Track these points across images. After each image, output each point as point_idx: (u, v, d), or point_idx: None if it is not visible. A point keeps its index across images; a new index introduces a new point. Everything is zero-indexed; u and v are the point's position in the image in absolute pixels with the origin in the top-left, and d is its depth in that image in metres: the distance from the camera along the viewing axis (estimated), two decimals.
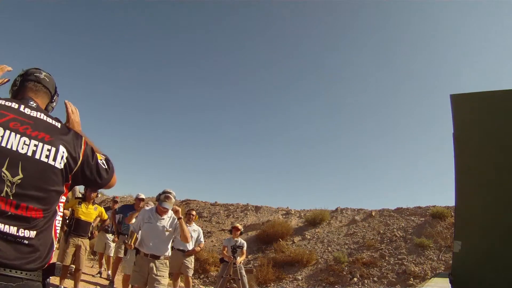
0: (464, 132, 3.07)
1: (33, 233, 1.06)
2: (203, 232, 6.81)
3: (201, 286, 8.43)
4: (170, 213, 3.87)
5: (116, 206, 7.31)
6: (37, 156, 1.09)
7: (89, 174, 1.26)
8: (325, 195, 24.80)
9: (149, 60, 37.16)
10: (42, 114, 1.22)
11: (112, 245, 6.75)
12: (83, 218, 5.09)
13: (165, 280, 3.69)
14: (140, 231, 3.78)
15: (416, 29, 35.44)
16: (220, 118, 36.36)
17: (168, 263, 3.79)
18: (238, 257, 5.51)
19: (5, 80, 1.40)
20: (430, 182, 26.22)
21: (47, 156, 1.12)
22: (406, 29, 35.80)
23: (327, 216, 11.21)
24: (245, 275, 5.76)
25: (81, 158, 1.22)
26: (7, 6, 26.06)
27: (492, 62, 36.56)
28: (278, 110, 36.55)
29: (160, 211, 3.80)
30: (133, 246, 3.74)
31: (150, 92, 37.54)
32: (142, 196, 6.05)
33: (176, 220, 3.86)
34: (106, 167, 1.34)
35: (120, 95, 35.13)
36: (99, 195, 15.80)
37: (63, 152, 1.16)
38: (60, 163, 1.15)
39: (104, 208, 7.21)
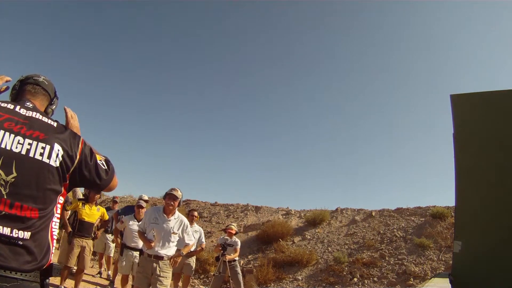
0: (464, 132, 3.07)
1: (27, 234, 1.05)
2: (203, 232, 6.80)
3: (201, 286, 8.43)
4: (177, 214, 3.81)
5: (116, 206, 7.30)
6: (31, 155, 1.09)
7: (88, 175, 1.24)
8: (325, 195, 24.78)
9: (150, 60, 37.18)
10: (38, 114, 1.22)
11: (112, 245, 6.74)
12: (86, 219, 5.12)
13: (168, 281, 3.66)
14: (147, 231, 3.70)
15: (416, 29, 35.48)
16: (220, 118, 36.38)
17: (171, 264, 3.72)
18: (228, 255, 5.51)
19: (3, 88, 1.41)
20: (430, 182, 26.23)
21: (42, 154, 1.11)
22: (406, 29, 35.84)
23: (327, 216, 11.21)
24: (240, 273, 5.75)
25: (78, 157, 1.21)
26: (7, 6, 26.08)
27: (492, 62, 36.60)
28: (278, 110, 36.59)
29: (167, 210, 3.71)
30: (152, 245, 3.61)
31: (150, 91, 37.57)
32: (145, 198, 5.94)
33: (183, 223, 3.81)
34: (106, 168, 1.31)
35: (120, 94, 35.13)
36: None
37: (58, 150, 1.15)
38: (56, 161, 1.14)
39: (104, 208, 7.19)
